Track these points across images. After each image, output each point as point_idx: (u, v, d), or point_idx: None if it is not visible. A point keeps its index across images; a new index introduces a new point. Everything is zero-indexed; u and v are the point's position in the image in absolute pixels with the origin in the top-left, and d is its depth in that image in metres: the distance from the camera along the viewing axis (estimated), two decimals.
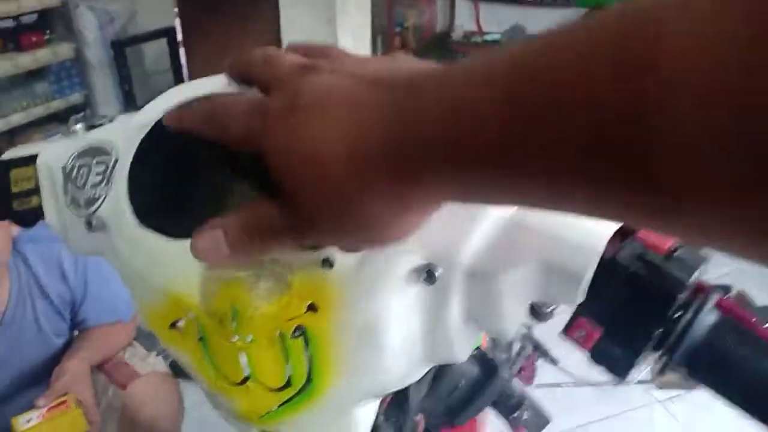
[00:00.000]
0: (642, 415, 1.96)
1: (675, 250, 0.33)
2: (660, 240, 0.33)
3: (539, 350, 1.81)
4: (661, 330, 0.31)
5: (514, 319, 0.34)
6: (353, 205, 0.26)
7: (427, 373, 0.57)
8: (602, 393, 1.94)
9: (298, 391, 0.36)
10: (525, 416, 0.67)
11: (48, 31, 2.91)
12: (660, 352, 0.33)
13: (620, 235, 0.32)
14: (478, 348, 0.69)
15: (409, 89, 0.25)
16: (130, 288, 0.38)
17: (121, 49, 2.99)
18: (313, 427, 0.38)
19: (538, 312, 0.38)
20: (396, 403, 0.54)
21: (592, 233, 0.32)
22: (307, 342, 0.34)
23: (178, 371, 1.75)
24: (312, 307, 0.33)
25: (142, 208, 0.36)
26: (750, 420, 0.31)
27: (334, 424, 0.38)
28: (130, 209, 0.36)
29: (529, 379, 1.76)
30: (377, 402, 0.39)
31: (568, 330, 0.33)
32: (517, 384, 0.68)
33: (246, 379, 0.36)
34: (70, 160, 0.41)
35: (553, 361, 1.80)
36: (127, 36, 3.04)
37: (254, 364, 0.35)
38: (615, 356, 0.32)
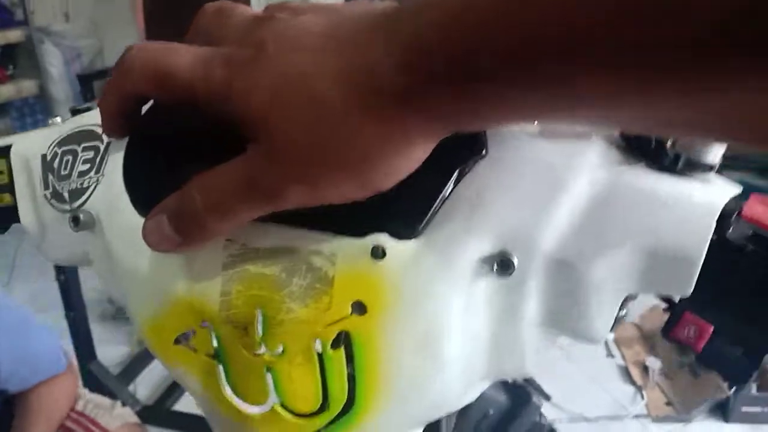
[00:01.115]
0: None
1: None
2: None
3: (532, 386, 1.76)
4: None
5: (606, 319, 0.28)
6: (352, 140, 0.23)
7: None
8: (598, 427, 1.87)
9: (336, 416, 0.29)
10: None
11: (11, 67, 2.84)
12: None
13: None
14: (504, 380, 0.63)
15: (401, 12, 0.22)
16: (125, 295, 0.31)
17: (89, 82, 2.93)
18: None
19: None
20: None
21: (702, 204, 0.26)
22: (351, 353, 0.27)
23: (149, 417, 1.63)
24: (359, 308, 0.27)
25: (142, 197, 0.29)
26: None
27: None
28: (129, 199, 0.29)
29: None
30: (421, 429, 0.33)
31: (673, 329, 0.27)
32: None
33: (272, 402, 0.29)
34: (52, 147, 0.34)
35: (546, 397, 1.74)
36: (94, 70, 2.98)
37: (284, 383, 0.28)
38: (734, 358, 0.27)
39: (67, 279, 1.66)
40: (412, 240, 0.26)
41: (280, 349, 0.27)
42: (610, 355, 2.19)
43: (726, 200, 0.26)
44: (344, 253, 0.27)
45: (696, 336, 0.26)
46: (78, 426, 1.26)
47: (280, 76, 0.23)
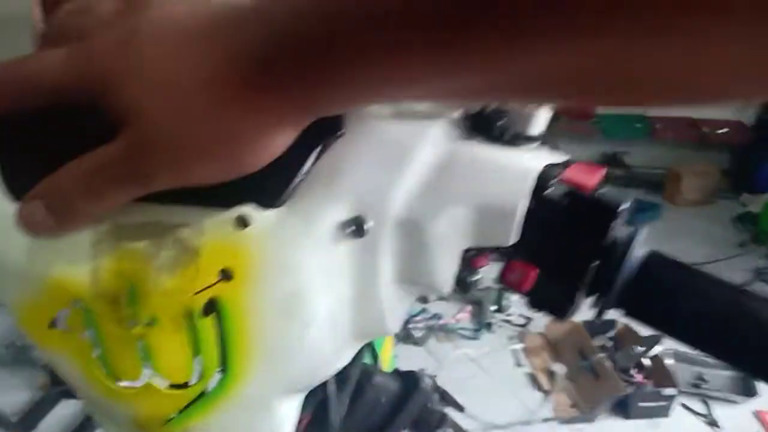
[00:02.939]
0: None
1: (598, 190, 0.32)
2: (585, 179, 0.32)
3: (445, 398, 1.79)
4: (597, 263, 0.30)
5: (448, 271, 0.31)
6: (217, 128, 0.25)
7: (346, 392, 0.53)
8: None
9: (211, 384, 0.30)
10: None
11: None
12: (596, 296, 0.32)
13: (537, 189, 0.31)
14: (396, 369, 0.66)
15: (260, 3, 0.24)
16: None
17: None
18: (230, 431, 0.32)
19: (463, 282, 0.37)
20: (316, 424, 0.49)
21: (521, 169, 0.31)
22: (220, 319, 0.29)
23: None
24: (225, 275, 0.29)
25: (13, 183, 0.30)
26: (694, 350, 0.31)
27: (254, 426, 0.33)
28: (2, 187, 0.30)
29: None
30: (300, 400, 0.35)
31: (503, 275, 0.31)
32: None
33: (146, 376, 0.30)
34: None
35: (460, 408, 1.78)
36: None
37: (157, 355, 0.30)
38: (554, 295, 0.31)
39: None
40: (275, 209, 0.29)
41: (151, 320, 0.29)
42: (518, 364, 2.28)
43: (542, 165, 0.31)
44: (210, 224, 0.29)
45: (522, 279, 0.31)
46: None
47: (146, 67, 0.25)
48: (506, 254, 0.32)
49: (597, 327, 2.29)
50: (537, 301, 0.31)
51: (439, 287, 0.31)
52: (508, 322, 2.49)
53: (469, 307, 2.55)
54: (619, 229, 0.31)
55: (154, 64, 0.25)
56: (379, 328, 0.32)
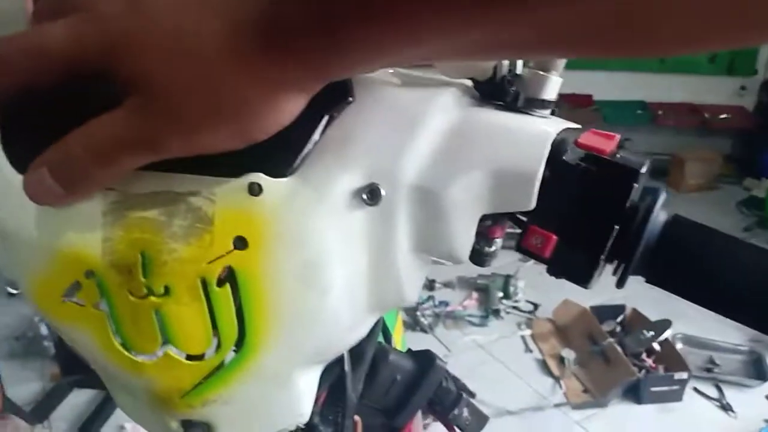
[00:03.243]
0: None
1: (616, 154, 0.32)
2: (603, 144, 0.31)
3: (456, 384, 1.79)
4: (618, 228, 0.30)
5: (465, 238, 0.31)
6: (229, 93, 0.24)
7: (362, 369, 0.53)
8: (523, 420, 1.93)
9: (229, 355, 0.30)
10: (465, 413, 0.63)
11: None
12: (617, 262, 0.31)
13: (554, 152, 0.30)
14: (409, 349, 0.66)
15: None
16: (9, 261, 0.31)
17: None
18: (249, 403, 0.32)
19: (479, 253, 0.36)
20: (332, 402, 0.49)
21: (538, 132, 0.30)
22: (236, 289, 0.29)
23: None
24: (240, 243, 0.28)
25: (20, 155, 0.30)
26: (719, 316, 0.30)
27: (273, 399, 0.32)
28: (7, 158, 0.30)
29: None
30: (319, 371, 0.35)
31: (522, 241, 0.31)
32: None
33: (164, 346, 0.30)
34: None
35: (471, 394, 1.78)
36: None
37: (174, 325, 0.29)
38: (575, 262, 0.30)
39: None
40: (288, 177, 0.29)
41: (165, 289, 0.29)
42: (528, 350, 2.28)
43: (559, 130, 0.31)
44: (222, 191, 0.28)
45: (542, 245, 0.30)
46: None
47: (156, 32, 0.24)
48: (523, 223, 0.31)
49: (605, 312, 2.29)
50: (558, 269, 0.31)
51: (457, 255, 0.31)
52: (515, 308, 2.49)
53: (476, 294, 2.55)
54: (639, 194, 0.31)
55: (163, 28, 0.24)
56: (397, 298, 0.32)
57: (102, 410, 1.81)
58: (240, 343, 0.30)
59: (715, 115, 3.89)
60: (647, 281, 0.32)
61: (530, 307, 2.48)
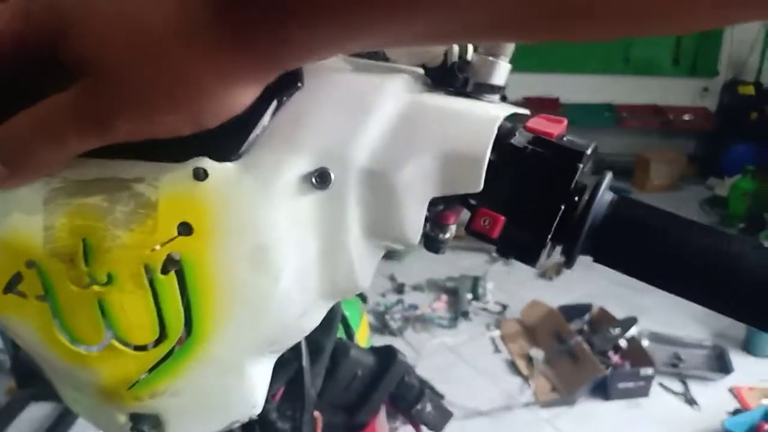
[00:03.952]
0: None
1: (563, 137, 0.32)
2: (550, 128, 0.32)
3: (425, 386, 1.80)
4: (563, 207, 0.30)
5: (416, 222, 0.31)
6: (181, 79, 0.24)
7: (321, 364, 0.52)
8: (493, 420, 1.94)
9: (176, 344, 0.30)
10: (428, 408, 0.63)
11: None
12: (565, 243, 0.32)
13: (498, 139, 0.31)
14: (371, 345, 0.66)
15: None
16: None
17: None
18: (199, 394, 0.31)
19: (433, 240, 0.36)
20: (290, 397, 0.48)
21: (486, 116, 0.30)
22: (182, 277, 0.28)
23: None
24: (185, 229, 0.28)
25: None
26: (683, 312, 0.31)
27: (224, 389, 0.32)
28: None
29: None
30: (272, 362, 0.34)
31: (471, 224, 0.31)
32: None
33: (109, 338, 0.29)
34: None
35: (440, 396, 1.79)
36: None
37: (118, 315, 0.29)
38: (523, 241, 0.31)
39: None
40: (234, 162, 0.28)
41: (108, 277, 0.28)
42: (497, 351, 2.30)
43: (507, 114, 0.31)
44: (167, 177, 0.28)
45: (491, 226, 0.30)
46: None
47: (107, 11, 0.24)
48: (473, 206, 0.31)
49: (573, 311, 2.32)
50: (506, 249, 0.31)
51: (408, 239, 0.31)
52: (484, 309, 2.51)
53: (445, 297, 2.56)
54: (585, 175, 0.31)
55: (113, 8, 0.24)
56: (350, 284, 0.31)
57: (60, 423, 1.76)
58: (187, 331, 0.29)
59: (678, 116, 3.99)
60: (595, 260, 0.32)
61: (499, 309, 2.50)
